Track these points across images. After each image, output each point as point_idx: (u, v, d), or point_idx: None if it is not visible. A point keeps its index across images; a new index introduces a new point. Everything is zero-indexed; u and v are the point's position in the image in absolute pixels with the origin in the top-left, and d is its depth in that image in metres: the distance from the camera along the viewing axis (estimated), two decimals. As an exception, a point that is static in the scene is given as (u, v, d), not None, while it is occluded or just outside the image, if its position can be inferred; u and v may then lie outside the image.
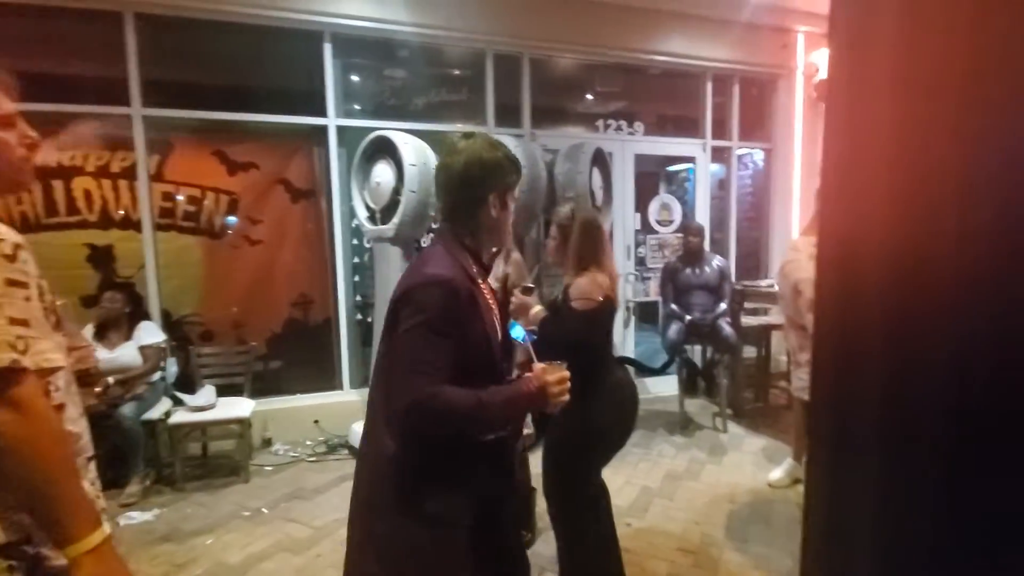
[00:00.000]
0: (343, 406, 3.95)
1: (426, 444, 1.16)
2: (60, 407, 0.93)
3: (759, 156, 5.49)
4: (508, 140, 3.53)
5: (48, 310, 0.95)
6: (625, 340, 4.70)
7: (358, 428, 3.65)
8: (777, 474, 3.18)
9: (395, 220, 3.37)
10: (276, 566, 2.48)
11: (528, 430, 1.32)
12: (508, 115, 4.39)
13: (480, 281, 1.28)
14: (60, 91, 3.31)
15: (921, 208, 0.70)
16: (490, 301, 1.31)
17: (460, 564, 1.21)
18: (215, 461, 3.56)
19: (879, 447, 0.77)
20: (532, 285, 2.23)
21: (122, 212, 3.74)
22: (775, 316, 5.00)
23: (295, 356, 4.22)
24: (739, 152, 5.31)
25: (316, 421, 3.89)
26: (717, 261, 4.13)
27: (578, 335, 1.88)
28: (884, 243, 0.73)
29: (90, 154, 3.69)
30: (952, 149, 0.67)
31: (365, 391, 3.84)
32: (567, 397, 1.25)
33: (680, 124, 5.32)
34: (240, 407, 3.41)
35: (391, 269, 3.52)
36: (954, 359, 0.69)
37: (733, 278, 4.45)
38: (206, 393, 3.42)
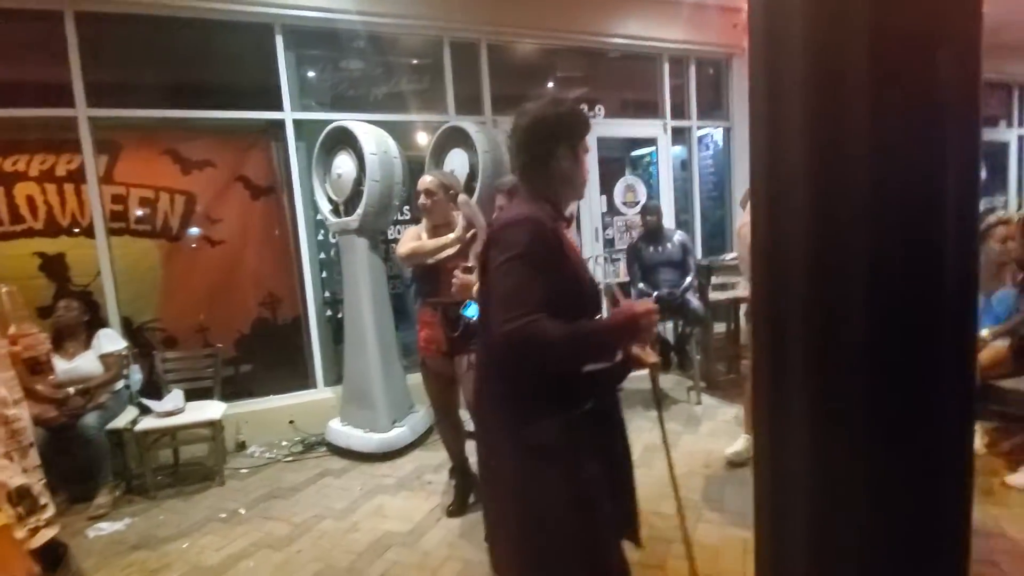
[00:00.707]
0: (318, 404, 3.90)
1: (533, 377, 1.21)
2: None
3: (719, 136, 5.60)
4: (469, 126, 3.53)
5: None
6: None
7: (335, 425, 3.61)
8: (735, 447, 3.18)
9: (359, 211, 3.34)
10: (256, 564, 2.43)
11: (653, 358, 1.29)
12: (469, 103, 4.38)
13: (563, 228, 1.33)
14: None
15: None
16: (576, 247, 1.37)
17: (587, 495, 1.23)
18: (187, 468, 3.46)
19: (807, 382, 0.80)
20: (471, 264, 2.23)
21: (70, 219, 3.60)
22: (742, 290, 5.14)
23: (265, 357, 4.13)
24: (699, 133, 5.42)
25: (291, 421, 3.83)
26: (678, 236, 4.23)
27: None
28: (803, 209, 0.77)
29: (32, 158, 3.53)
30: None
31: (339, 389, 3.81)
32: (657, 329, 1.32)
33: (642, 107, 5.39)
34: (210, 410, 3.32)
35: (358, 262, 3.48)
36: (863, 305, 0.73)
37: (699, 253, 4.55)
38: (173, 398, 3.32)
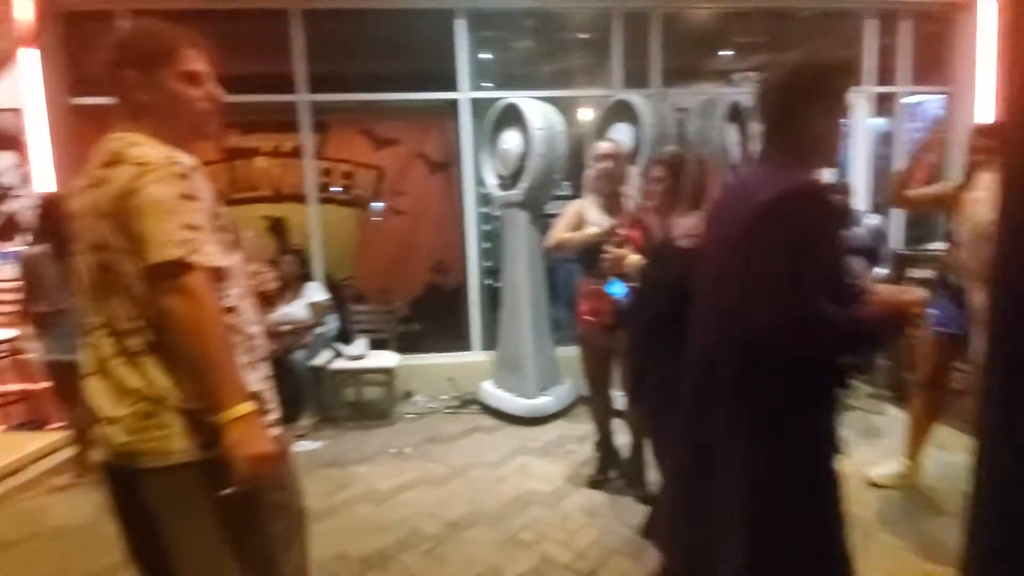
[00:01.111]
0: (474, 365, 4.21)
1: (798, 364, 1.11)
2: (231, 309, 1.13)
3: (933, 105, 4.70)
4: (635, 99, 3.45)
5: (224, 230, 1.14)
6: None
7: (488, 387, 3.88)
8: (884, 469, 2.71)
9: (523, 184, 3.49)
10: (417, 495, 2.76)
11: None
12: (636, 77, 4.26)
13: None
14: (238, 86, 3.89)
15: None
16: None
17: (833, 495, 1.18)
18: (366, 407, 4.02)
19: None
20: (622, 238, 2.18)
21: (290, 188, 4.33)
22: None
23: (432, 318, 4.56)
24: (908, 101, 4.60)
25: (450, 378, 4.19)
26: (871, 220, 3.64)
27: (684, 276, 1.70)
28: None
29: (265, 137, 4.30)
30: None
31: (492, 353, 4.07)
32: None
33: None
34: (387, 359, 3.81)
35: (518, 234, 3.65)
36: None
37: (897, 242, 3.92)
38: (359, 345, 3.87)
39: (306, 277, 3.95)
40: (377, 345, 3.98)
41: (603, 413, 2.76)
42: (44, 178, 3.71)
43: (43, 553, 2.36)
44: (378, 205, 4.50)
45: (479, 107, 4.13)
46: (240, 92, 3.83)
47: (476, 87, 4.23)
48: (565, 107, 4.06)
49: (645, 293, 1.98)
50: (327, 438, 3.52)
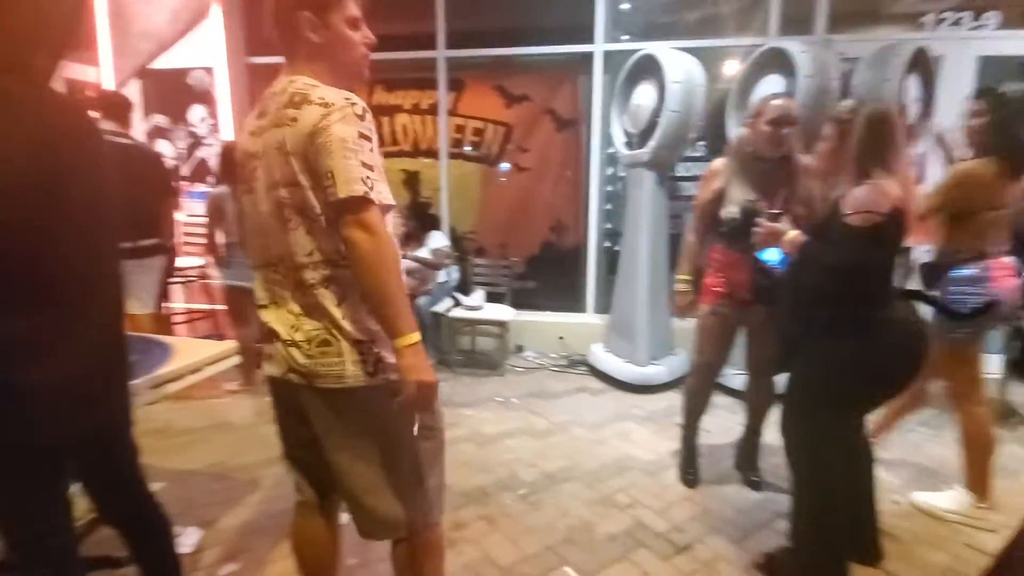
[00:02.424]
0: (585, 327, 4.19)
1: None
2: None
3: None
4: (792, 46, 3.06)
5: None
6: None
7: (598, 350, 3.85)
8: (938, 500, 2.23)
9: (652, 143, 3.30)
10: (518, 443, 2.86)
11: None
12: (796, 23, 3.75)
13: None
14: (381, 43, 4.10)
15: None
16: None
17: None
18: (479, 355, 4.21)
19: None
20: (779, 211, 1.93)
21: (426, 144, 4.54)
22: None
23: (548, 276, 4.59)
24: None
25: (561, 337, 4.22)
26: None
27: (852, 259, 1.54)
28: None
29: (407, 95, 4.53)
30: None
31: (606, 316, 4.00)
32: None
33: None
34: (502, 312, 3.93)
35: (643, 196, 3.49)
36: None
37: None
38: (477, 296, 4.03)
39: (431, 227, 4.17)
40: (493, 298, 4.11)
41: (706, 399, 2.47)
42: (227, 128, 4.30)
43: (216, 442, 2.87)
44: (504, 165, 4.56)
45: (614, 61, 3.95)
46: (383, 50, 4.14)
47: (613, 39, 4.03)
48: (710, 59, 3.71)
49: (799, 272, 1.77)
50: (441, 380, 3.68)
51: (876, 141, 1.56)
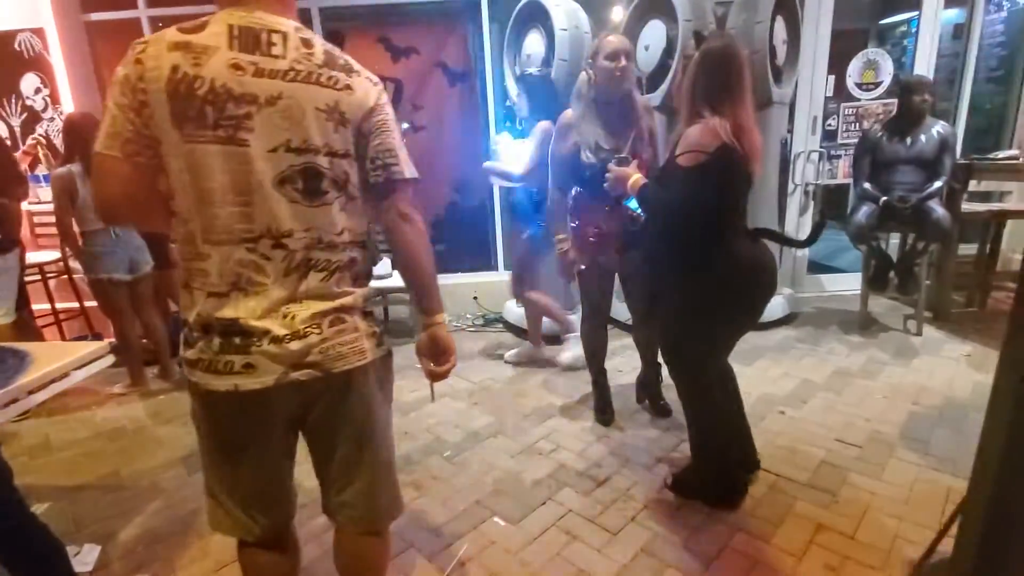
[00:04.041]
0: (498, 285, 4.20)
1: None
2: None
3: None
4: (671, -8, 3.11)
5: None
6: (800, 230, 4.17)
7: (511, 305, 3.90)
8: None
9: (545, 93, 3.27)
10: (442, 407, 2.87)
11: None
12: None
13: None
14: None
15: None
16: None
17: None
18: (393, 324, 4.12)
19: None
20: (627, 155, 2.00)
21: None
22: (1016, 201, 4.00)
23: (456, 237, 4.53)
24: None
25: (475, 297, 4.23)
26: (939, 128, 3.25)
27: (681, 197, 1.59)
28: None
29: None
30: None
31: (518, 271, 4.03)
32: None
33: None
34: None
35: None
36: None
37: (958, 152, 3.57)
38: (385, 264, 3.89)
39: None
40: (402, 265, 4.00)
41: (602, 340, 2.59)
42: (68, 98, 3.72)
43: (105, 452, 2.60)
44: (402, 125, 4.35)
45: (502, 7, 3.83)
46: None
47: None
48: (593, 6, 3.71)
49: (649, 212, 1.87)
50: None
51: (709, 79, 1.56)
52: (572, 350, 3.15)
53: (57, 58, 3.66)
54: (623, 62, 2.08)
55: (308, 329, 1.00)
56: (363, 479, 1.17)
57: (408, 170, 1.06)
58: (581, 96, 2.22)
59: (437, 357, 1.18)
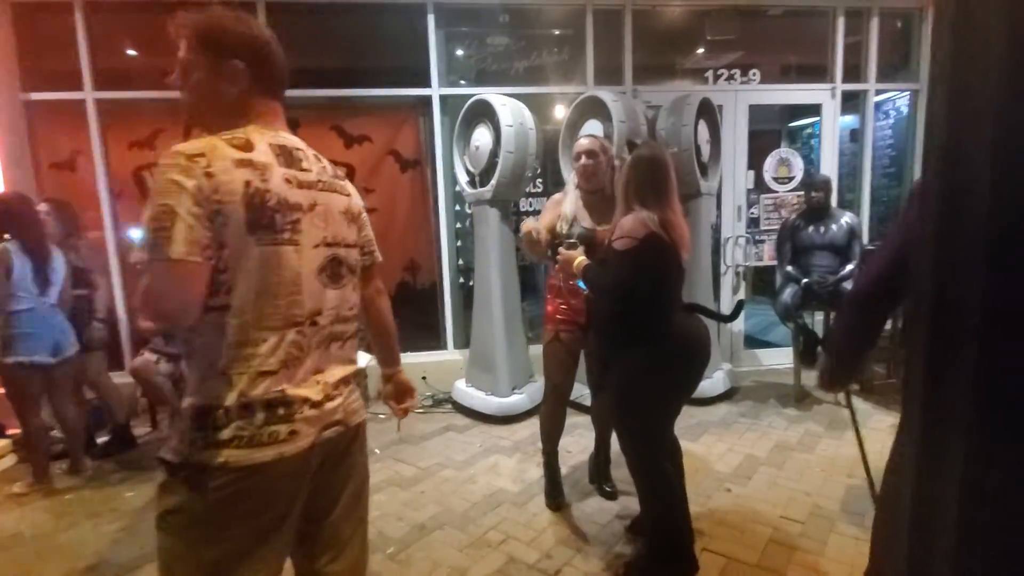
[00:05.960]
0: (447, 364, 4.18)
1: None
2: None
3: (902, 102, 4.79)
4: (606, 96, 3.44)
5: None
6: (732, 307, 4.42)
7: (461, 385, 3.85)
8: None
9: (493, 181, 3.46)
10: (386, 498, 2.73)
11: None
12: (609, 73, 4.26)
13: None
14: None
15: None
16: None
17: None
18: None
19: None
20: (575, 240, 2.15)
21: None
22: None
23: (405, 317, 4.50)
24: (879, 99, 4.68)
25: (423, 377, 4.15)
26: (846, 219, 3.68)
27: (615, 279, 1.80)
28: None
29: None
30: None
31: (467, 351, 4.04)
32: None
33: (805, 71, 4.79)
34: (359, 358, 3.74)
35: (489, 231, 3.62)
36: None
37: (865, 239, 3.98)
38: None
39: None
40: (348, 345, 3.91)
41: (561, 423, 2.57)
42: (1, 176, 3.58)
43: (0, 562, 2.29)
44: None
45: (452, 104, 4.09)
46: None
47: (448, 83, 4.19)
48: (538, 104, 4.04)
49: (593, 292, 2.05)
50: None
51: (639, 180, 1.82)
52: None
53: (-9, 136, 3.56)
54: (588, 160, 2.33)
55: (335, 392, 1.15)
56: (356, 543, 1.25)
57: (379, 255, 1.35)
58: (568, 186, 2.51)
59: (402, 397, 1.50)
